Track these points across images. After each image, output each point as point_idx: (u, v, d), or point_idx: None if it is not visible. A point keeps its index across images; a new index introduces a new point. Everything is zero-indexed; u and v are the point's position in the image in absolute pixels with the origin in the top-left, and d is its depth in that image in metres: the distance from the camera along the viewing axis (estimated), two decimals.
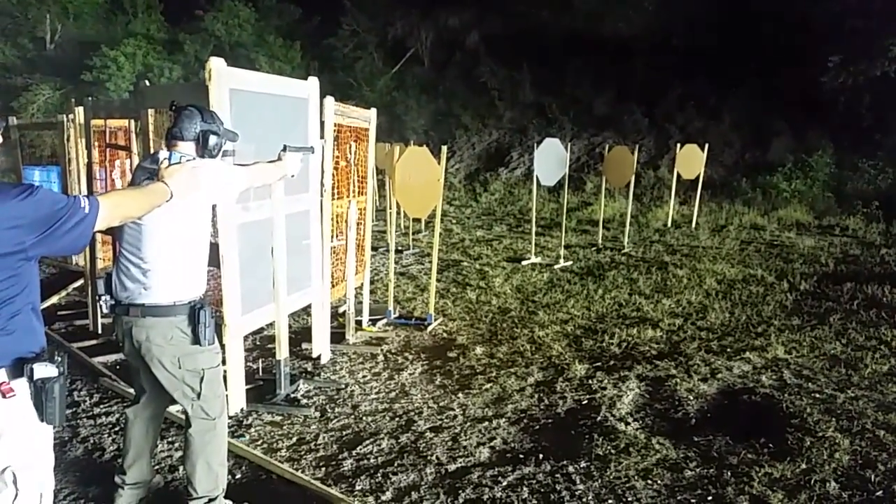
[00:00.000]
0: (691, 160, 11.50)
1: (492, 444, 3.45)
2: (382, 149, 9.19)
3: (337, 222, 5.14)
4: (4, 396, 1.59)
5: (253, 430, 3.58)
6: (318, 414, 3.81)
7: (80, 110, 5.31)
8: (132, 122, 5.61)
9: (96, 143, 5.60)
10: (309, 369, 4.56)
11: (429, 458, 3.29)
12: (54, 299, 6.37)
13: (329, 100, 4.39)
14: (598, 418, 3.77)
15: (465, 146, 18.54)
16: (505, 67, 18.84)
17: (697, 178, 11.73)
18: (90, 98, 5.41)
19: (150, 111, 4.00)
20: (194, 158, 2.43)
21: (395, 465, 3.21)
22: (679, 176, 11.69)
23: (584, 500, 2.93)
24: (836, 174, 13.93)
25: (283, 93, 3.81)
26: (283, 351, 3.96)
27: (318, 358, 4.65)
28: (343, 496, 2.89)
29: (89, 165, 5.12)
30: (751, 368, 4.60)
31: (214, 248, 3.21)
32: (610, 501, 2.92)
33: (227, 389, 3.20)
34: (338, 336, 5.10)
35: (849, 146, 14.10)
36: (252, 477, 3.09)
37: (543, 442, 3.47)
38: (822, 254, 8.99)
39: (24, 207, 1.55)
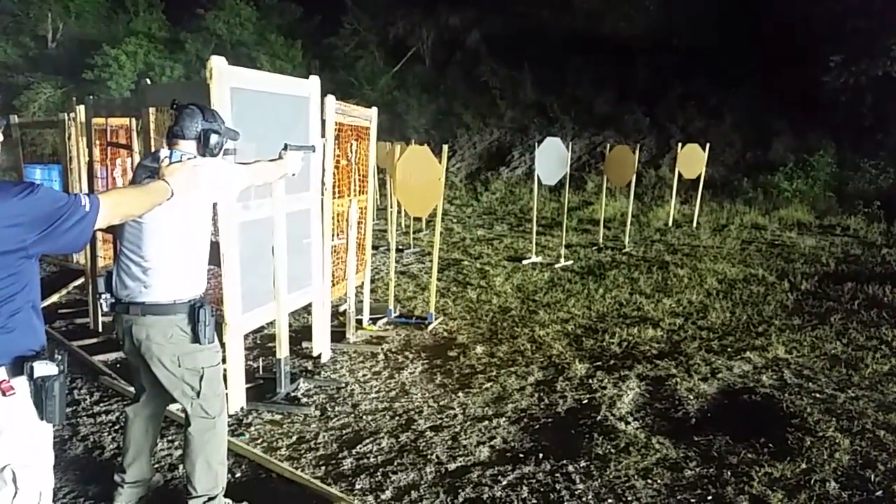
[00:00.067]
0: (692, 160, 11.49)
1: (492, 443, 3.45)
2: (383, 148, 9.19)
3: (338, 221, 5.13)
4: (4, 394, 1.59)
5: (253, 428, 3.58)
6: (318, 413, 3.81)
7: (81, 109, 5.31)
8: (133, 120, 5.61)
9: (97, 142, 5.60)
10: (309, 368, 4.56)
11: (429, 457, 3.29)
12: (55, 297, 6.38)
13: (330, 98, 4.39)
14: (599, 418, 3.77)
15: (466, 145, 18.53)
16: (506, 67, 18.84)
17: (698, 177, 11.72)
18: (91, 97, 5.41)
19: (151, 110, 4.01)
20: (195, 157, 2.43)
21: (395, 464, 3.21)
22: (680, 175, 11.68)
23: (584, 499, 2.93)
24: (837, 174, 13.92)
25: (284, 91, 3.81)
26: (283, 350, 3.96)
27: (319, 357, 4.65)
28: (343, 495, 2.89)
29: (90, 164, 5.12)
30: (751, 368, 4.60)
31: (215, 247, 3.21)
32: (610, 501, 2.92)
33: (227, 388, 3.20)
34: (338, 335, 5.10)
35: (850, 146, 14.09)
36: (252, 476, 3.09)
37: (543, 441, 3.47)
38: (823, 253, 8.99)
39: (24, 205, 1.55)
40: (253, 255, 3.61)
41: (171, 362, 2.45)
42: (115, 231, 2.43)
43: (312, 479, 3.01)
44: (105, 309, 2.51)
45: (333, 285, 4.96)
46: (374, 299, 6.03)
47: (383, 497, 2.91)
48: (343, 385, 4.23)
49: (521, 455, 3.32)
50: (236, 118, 3.20)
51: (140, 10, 20.47)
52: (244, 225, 3.51)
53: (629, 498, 2.93)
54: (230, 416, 3.54)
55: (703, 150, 11.56)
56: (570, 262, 8.43)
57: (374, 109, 5.47)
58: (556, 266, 8.17)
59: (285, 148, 2.92)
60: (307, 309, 4.70)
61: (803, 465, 3.20)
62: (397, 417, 3.76)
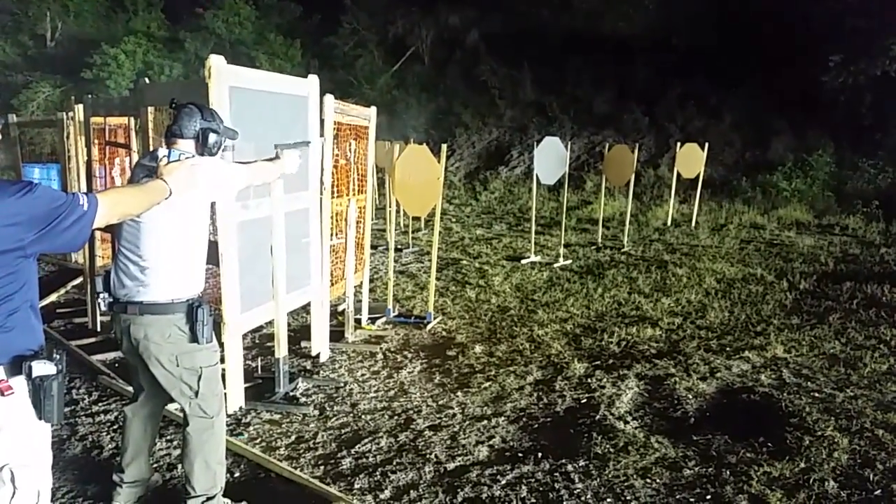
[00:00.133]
0: (691, 159, 11.50)
1: (491, 442, 3.45)
2: (382, 147, 9.18)
3: (336, 220, 5.13)
4: (3, 394, 1.59)
5: (252, 428, 3.58)
6: (316, 412, 3.81)
7: (79, 108, 5.31)
8: (132, 119, 5.60)
9: (96, 141, 5.59)
10: (308, 367, 4.56)
11: (428, 456, 3.29)
12: (53, 297, 6.37)
13: (329, 98, 4.39)
14: (597, 417, 3.77)
15: (465, 145, 18.53)
16: (505, 66, 18.83)
17: (697, 177, 11.72)
18: (90, 96, 5.41)
19: (150, 109, 4.00)
20: (193, 156, 2.43)
21: (394, 463, 3.21)
22: (679, 175, 11.68)
23: (583, 498, 2.93)
24: (836, 173, 13.93)
25: (282, 90, 3.81)
26: (282, 349, 3.96)
27: (318, 356, 4.65)
28: (342, 495, 2.89)
29: (89, 163, 5.12)
30: (750, 367, 4.60)
31: (214, 246, 3.20)
32: (608, 500, 2.92)
33: (225, 387, 3.20)
34: (337, 334, 5.10)
35: (849, 145, 14.10)
36: (251, 475, 3.09)
37: (542, 440, 3.47)
38: (821, 253, 8.99)
39: (22, 204, 1.55)
40: (251, 255, 3.60)
41: (170, 362, 2.45)
42: (114, 230, 2.42)
43: (311, 479, 3.01)
44: (103, 308, 2.50)
45: (332, 285, 4.95)
46: (372, 299, 6.03)
47: (382, 497, 2.91)
48: (342, 384, 4.22)
49: (520, 454, 3.32)
50: (235, 117, 3.19)
51: (139, 9, 20.46)
52: (243, 224, 3.50)
53: (628, 497, 2.93)
54: (229, 416, 3.53)
55: (702, 149, 11.56)
56: (569, 261, 8.43)
57: (373, 109, 5.47)
58: (555, 265, 8.17)
59: (278, 149, 2.92)
60: (306, 308, 4.70)
61: (802, 465, 3.20)
62: (396, 417, 3.76)
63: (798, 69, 14.36)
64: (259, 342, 5.04)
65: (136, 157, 5.22)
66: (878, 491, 3.00)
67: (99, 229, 2.27)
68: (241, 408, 3.73)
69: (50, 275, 7.32)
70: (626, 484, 3.04)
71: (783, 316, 5.94)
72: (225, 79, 3.25)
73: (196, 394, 2.51)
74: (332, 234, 4.91)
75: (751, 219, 12.05)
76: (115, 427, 3.56)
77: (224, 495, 2.68)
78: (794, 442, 3.44)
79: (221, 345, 3.08)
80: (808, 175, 13.79)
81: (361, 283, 5.60)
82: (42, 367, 1.63)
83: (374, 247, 8.05)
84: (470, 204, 15.00)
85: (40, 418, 1.66)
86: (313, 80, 4.05)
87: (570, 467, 3.19)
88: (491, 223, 12.28)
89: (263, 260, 3.72)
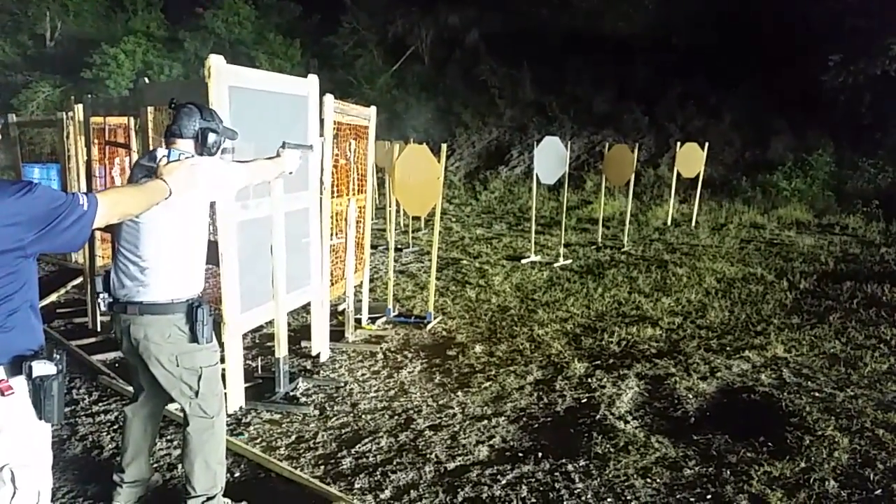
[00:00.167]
0: (691, 159, 11.50)
1: (491, 442, 3.45)
2: (382, 147, 9.19)
3: (336, 220, 5.13)
4: (3, 394, 1.59)
5: (252, 428, 3.58)
6: (317, 412, 3.80)
7: (79, 108, 5.30)
8: (132, 119, 5.60)
9: (96, 141, 5.59)
10: (308, 367, 4.56)
11: (428, 456, 3.29)
12: (53, 297, 6.37)
13: (329, 97, 4.39)
14: (598, 417, 3.77)
15: (464, 144, 18.53)
16: (505, 66, 18.83)
17: (697, 176, 11.72)
18: (90, 95, 5.40)
19: (150, 109, 4.00)
20: (193, 156, 2.43)
21: (394, 463, 3.21)
22: (679, 174, 11.68)
23: (583, 498, 2.93)
24: (836, 173, 13.93)
25: (282, 90, 3.81)
26: (282, 349, 3.95)
27: (318, 356, 4.64)
28: (342, 494, 2.89)
29: (89, 163, 5.11)
30: (750, 367, 4.60)
31: (214, 246, 3.20)
32: (609, 500, 2.92)
33: (225, 387, 3.20)
34: (337, 334, 5.09)
35: (849, 145, 14.10)
36: (251, 475, 3.09)
37: (542, 440, 3.47)
38: (821, 252, 8.99)
39: (22, 204, 1.55)
40: (252, 255, 3.60)
41: (169, 362, 2.45)
42: (113, 230, 2.42)
43: (311, 479, 3.01)
44: (103, 308, 2.50)
45: (332, 284, 4.95)
46: (372, 298, 6.03)
47: (382, 496, 2.91)
48: (342, 384, 4.22)
49: (521, 454, 3.31)
50: (235, 117, 3.19)
51: (139, 8, 20.45)
52: (243, 224, 3.50)
53: (628, 497, 2.93)
54: (229, 416, 3.53)
55: (702, 149, 11.56)
56: (569, 261, 8.43)
57: (373, 108, 5.46)
58: (555, 265, 8.17)
59: (283, 146, 2.91)
60: (306, 308, 4.70)
61: (802, 464, 3.20)
62: (396, 417, 3.76)
63: (798, 69, 14.36)
64: (259, 342, 5.04)
65: (135, 157, 5.22)
66: (879, 490, 3.00)
67: (99, 229, 2.27)
68: (241, 408, 3.73)
69: (50, 275, 7.32)
70: (626, 484, 3.04)
71: (783, 315, 5.94)
72: (224, 78, 3.25)
73: (196, 394, 2.51)
74: (332, 234, 4.91)
75: (751, 218, 12.06)
76: (115, 427, 3.56)
77: (224, 495, 2.68)
78: (795, 441, 3.44)
79: (221, 345, 3.08)
80: (808, 175, 13.79)
81: (361, 282, 5.59)
82: (42, 367, 1.63)
83: (374, 246, 8.05)
84: (470, 204, 15.00)
85: (40, 418, 1.66)
86: (313, 80, 4.05)
87: (570, 467, 3.18)
88: (491, 223, 12.27)
89: (263, 260, 3.72)
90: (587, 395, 4.10)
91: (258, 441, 3.43)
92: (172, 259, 2.41)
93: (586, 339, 5.23)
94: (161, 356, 2.44)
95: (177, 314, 2.43)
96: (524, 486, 3.00)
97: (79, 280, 6.63)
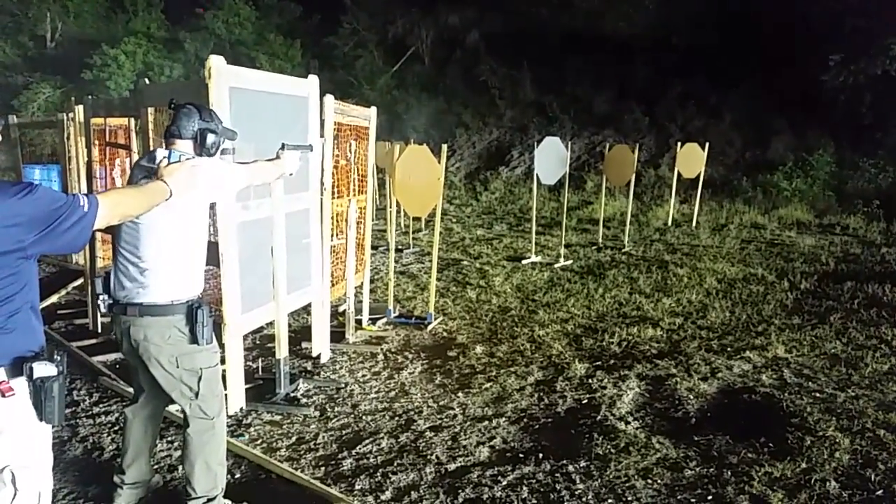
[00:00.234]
0: (692, 159, 11.49)
1: (491, 443, 3.45)
2: (383, 147, 9.18)
3: (337, 221, 5.13)
4: (4, 395, 1.59)
5: (252, 429, 3.58)
6: (317, 413, 3.80)
7: (80, 109, 5.30)
8: (132, 120, 5.61)
9: (96, 142, 5.59)
10: (309, 368, 4.55)
11: (428, 457, 3.28)
12: (54, 298, 6.37)
13: (329, 98, 4.39)
14: (598, 417, 3.77)
15: (465, 145, 18.53)
16: (505, 66, 18.83)
17: (698, 176, 11.72)
18: (90, 96, 5.41)
19: (150, 109, 4.00)
20: (193, 157, 2.42)
21: (395, 464, 3.21)
22: (679, 175, 11.68)
23: (584, 499, 2.93)
24: (836, 173, 13.93)
25: (282, 91, 3.81)
26: (282, 350, 3.95)
27: (318, 357, 4.64)
28: (342, 496, 2.89)
29: (89, 164, 5.11)
30: (751, 367, 4.60)
31: (214, 247, 3.20)
32: (610, 501, 2.91)
33: (226, 388, 3.20)
34: (337, 335, 5.09)
35: (849, 145, 14.10)
36: (251, 476, 3.09)
37: (543, 441, 3.47)
38: (822, 253, 8.99)
39: (23, 205, 1.55)
40: (252, 256, 3.60)
41: (169, 363, 2.44)
42: (113, 232, 2.42)
43: (312, 480, 3.01)
44: (103, 310, 2.50)
45: (333, 285, 4.95)
46: (373, 299, 6.03)
47: (383, 498, 2.91)
48: (342, 385, 4.22)
49: (521, 455, 3.31)
50: (235, 118, 3.19)
51: (139, 9, 20.44)
52: (243, 225, 3.50)
53: (629, 498, 2.93)
54: (230, 417, 3.53)
55: (703, 149, 11.56)
56: (570, 261, 8.42)
57: (374, 109, 5.46)
58: (556, 266, 8.17)
59: (283, 147, 2.91)
60: (306, 309, 4.70)
61: (803, 465, 3.20)
62: (397, 418, 3.76)
63: (798, 69, 14.36)
64: (260, 343, 5.04)
65: (136, 158, 5.22)
66: (880, 491, 3.00)
67: (99, 230, 2.27)
68: (241, 409, 3.73)
69: (51, 276, 7.32)
70: (627, 485, 3.04)
71: (784, 316, 5.93)
72: (225, 79, 3.25)
73: (196, 395, 2.51)
74: (332, 235, 4.91)
75: (751, 219, 12.05)
76: (115, 428, 3.56)
77: (225, 496, 2.68)
78: (796, 442, 3.44)
79: (222, 346, 3.08)
80: (809, 175, 13.79)
81: (362, 283, 5.59)
82: (43, 369, 1.63)
83: (374, 247, 8.05)
84: (470, 204, 14.99)
85: (41, 419, 1.66)
86: (313, 81, 4.04)
87: (571, 468, 3.18)
88: (491, 223, 12.27)
89: (264, 261, 3.72)
90: (588, 395, 4.10)
91: (259, 442, 3.43)
92: (172, 260, 2.41)
93: (587, 340, 5.23)
94: (161, 357, 2.43)
95: (177, 315, 2.43)
96: (525, 487, 3.00)
97: (79, 281, 6.63)
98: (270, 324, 4.14)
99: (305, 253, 4.18)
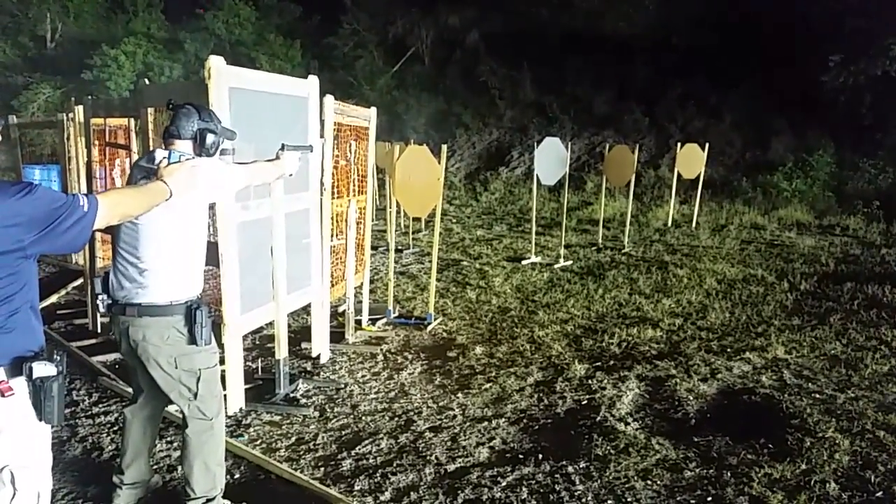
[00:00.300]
0: (692, 159, 11.49)
1: (491, 444, 3.45)
2: (382, 148, 9.18)
3: (337, 221, 5.13)
4: (3, 395, 1.59)
5: (252, 429, 3.58)
6: (317, 414, 3.80)
7: (79, 109, 5.30)
8: (132, 120, 5.61)
9: (96, 142, 5.60)
10: (308, 369, 4.55)
11: (428, 458, 3.28)
12: (53, 298, 6.37)
13: (329, 98, 4.39)
14: (598, 418, 3.77)
15: (465, 145, 18.53)
16: (505, 66, 18.84)
17: (698, 177, 11.72)
18: (90, 97, 5.41)
19: (150, 110, 4.00)
20: (193, 157, 2.42)
21: (394, 465, 3.20)
22: (679, 175, 11.68)
23: (584, 500, 2.93)
24: (836, 174, 13.93)
25: (282, 91, 3.81)
26: (282, 350, 3.95)
27: (318, 357, 4.64)
28: (342, 496, 2.89)
29: (89, 164, 5.11)
30: (751, 369, 4.60)
31: (214, 247, 3.20)
32: (609, 502, 2.91)
33: (225, 389, 3.20)
34: (337, 335, 5.09)
35: (849, 145, 14.10)
36: (251, 477, 3.09)
37: (543, 442, 3.47)
38: (822, 253, 8.99)
39: (22, 205, 1.55)
40: (252, 256, 3.60)
41: (168, 364, 2.44)
42: (112, 232, 2.42)
43: (311, 481, 3.01)
44: (102, 310, 2.50)
45: (332, 286, 4.95)
46: (373, 300, 6.02)
47: (382, 498, 2.91)
48: (342, 386, 4.22)
49: (521, 456, 3.31)
50: (235, 118, 3.19)
51: (139, 9, 20.43)
52: (243, 225, 3.50)
53: (629, 499, 2.93)
54: (229, 417, 3.53)
55: (703, 149, 11.56)
56: (570, 262, 8.42)
57: (374, 109, 5.46)
58: (556, 266, 8.16)
59: (282, 148, 2.91)
60: (306, 309, 4.70)
61: (803, 466, 3.20)
62: (396, 418, 3.76)
63: (798, 69, 14.37)
64: (259, 343, 5.03)
65: (136, 158, 5.22)
66: (880, 493, 3.00)
67: (99, 230, 2.27)
68: (241, 409, 3.73)
69: (50, 276, 7.32)
70: (626, 485, 3.04)
71: (784, 317, 5.93)
72: (225, 80, 3.25)
73: (195, 395, 2.51)
74: (332, 235, 4.91)
75: (751, 219, 12.05)
76: (115, 428, 3.56)
77: (224, 497, 2.68)
78: (795, 443, 3.44)
79: (221, 346, 3.08)
80: (809, 175, 13.79)
81: (362, 284, 5.59)
82: (42, 369, 1.63)
83: (374, 248, 8.04)
84: (470, 205, 15.00)
85: (40, 419, 1.66)
86: (313, 81, 4.05)
87: (570, 469, 3.18)
88: (491, 224, 12.27)
89: (264, 261, 3.72)
90: (587, 396, 4.10)
91: (258, 442, 3.43)
92: (171, 261, 2.41)
93: (587, 341, 5.23)
94: (160, 358, 2.43)
95: (175, 316, 2.43)
96: (524, 488, 3.00)
97: (79, 281, 6.63)
98: (270, 324, 4.14)
99: (305, 253, 4.18)
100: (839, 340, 5.24)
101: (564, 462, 3.24)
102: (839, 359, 4.81)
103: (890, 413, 3.82)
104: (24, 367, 1.62)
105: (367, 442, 3.44)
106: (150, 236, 2.35)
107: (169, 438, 3.41)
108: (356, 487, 2.99)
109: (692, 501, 2.92)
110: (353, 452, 3.32)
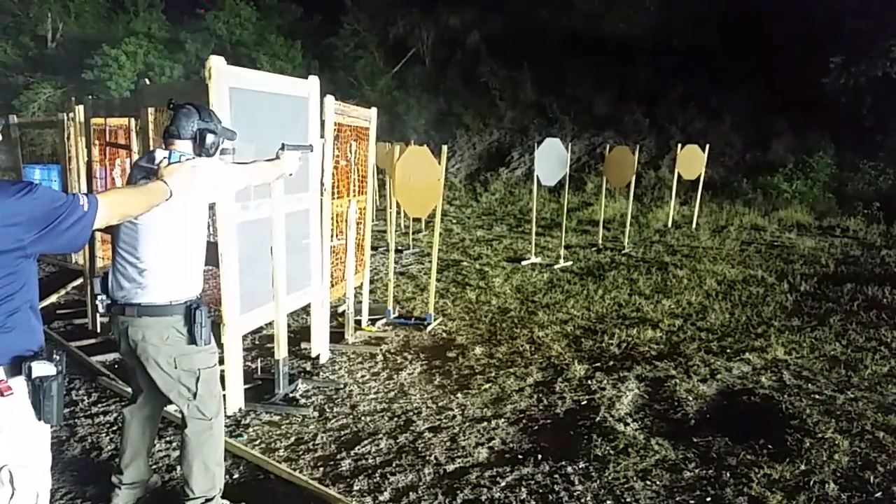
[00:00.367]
0: (692, 160, 11.50)
1: (490, 444, 3.45)
2: (383, 148, 9.19)
3: (337, 222, 5.13)
4: (2, 395, 1.59)
5: (251, 429, 3.58)
6: (316, 414, 3.80)
7: (80, 109, 5.31)
8: (132, 120, 5.61)
9: (96, 142, 5.60)
10: (308, 369, 4.55)
11: (427, 458, 3.28)
12: (53, 298, 6.37)
13: (329, 99, 4.39)
14: (598, 419, 3.77)
15: (465, 146, 18.53)
16: (506, 67, 18.84)
17: (698, 178, 11.73)
18: (91, 97, 5.41)
19: (150, 110, 4.00)
20: (193, 157, 2.42)
21: (394, 465, 3.21)
22: (680, 176, 11.68)
23: (583, 500, 2.93)
24: (836, 175, 13.93)
25: (283, 91, 3.81)
26: (281, 350, 3.95)
27: (317, 357, 4.64)
28: (341, 496, 2.89)
29: (89, 164, 5.12)
30: (750, 369, 4.60)
31: (214, 247, 3.20)
32: (608, 502, 2.91)
33: (225, 389, 3.20)
34: (337, 336, 5.09)
35: (849, 147, 14.10)
36: (250, 477, 3.09)
37: (542, 442, 3.47)
38: (822, 255, 8.99)
39: (22, 205, 1.55)
40: (252, 256, 3.60)
41: (168, 364, 2.44)
42: (112, 232, 2.42)
43: (310, 481, 3.01)
44: (101, 310, 2.50)
45: (332, 286, 4.95)
46: (373, 300, 6.03)
47: (382, 498, 2.91)
48: (342, 386, 4.22)
49: (520, 456, 3.31)
50: (235, 118, 3.19)
51: (140, 9, 20.44)
52: (243, 225, 3.50)
53: (628, 499, 2.93)
54: (228, 417, 3.53)
55: (703, 150, 11.56)
56: (570, 262, 8.42)
57: (374, 110, 5.46)
58: (556, 267, 8.16)
59: (283, 148, 2.91)
60: (306, 310, 4.70)
61: (802, 467, 3.20)
62: (396, 418, 3.76)
63: (798, 70, 14.37)
64: (259, 343, 5.03)
65: (136, 158, 5.23)
66: (879, 493, 3.00)
67: (99, 230, 2.27)
68: (240, 409, 3.73)
69: (50, 276, 7.32)
70: (626, 486, 3.04)
71: (784, 318, 5.93)
72: (225, 80, 3.25)
73: (194, 395, 2.51)
74: (332, 236, 4.91)
75: (751, 220, 12.05)
76: (114, 428, 3.56)
77: (223, 497, 2.68)
78: (795, 444, 3.44)
79: (221, 346, 3.08)
80: (809, 177, 13.79)
81: (362, 284, 5.59)
82: (42, 368, 1.63)
83: (374, 248, 8.05)
84: (470, 205, 15.00)
85: (40, 419, 1.66)
86: (314, 82, 4.05)
87: (569, 469, 3.18)
88: (491, 224, 12.28)
89: (263, 261, 3.72)
90: (587, 397, 4.10)
91: (257, 442, 3.43)
92: (171, 261, 2.41)
93: (586, 341, 5.23)
94: (159, 358, 2.43)
95: (175, 316, 2.43)
96: (524, 489, 3.00)
97: (79, 281, 6.63)
98: (270, 324, 4.14)
99: (305, 253, 4.19)
100: (839, 341, 5.24)
101: (564, 462, 3.24)
102: (839, 360, 4.81)
103: (889, 414, 3.82)
104: (23, 366, 1.62)
105: (366, 442, 3.44)
106: (149, 236, 2.35)
107: (168, 438, 3.41)
108: (355, 487, 2.99)
109: (691, 502, 2.92)
110: (352, 452, 3.32)
